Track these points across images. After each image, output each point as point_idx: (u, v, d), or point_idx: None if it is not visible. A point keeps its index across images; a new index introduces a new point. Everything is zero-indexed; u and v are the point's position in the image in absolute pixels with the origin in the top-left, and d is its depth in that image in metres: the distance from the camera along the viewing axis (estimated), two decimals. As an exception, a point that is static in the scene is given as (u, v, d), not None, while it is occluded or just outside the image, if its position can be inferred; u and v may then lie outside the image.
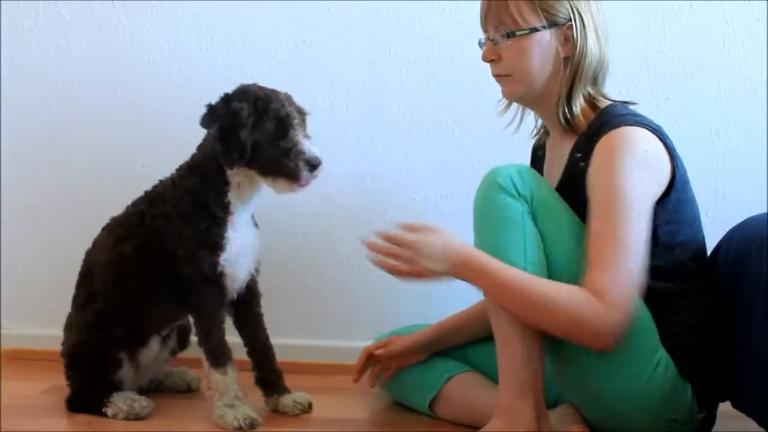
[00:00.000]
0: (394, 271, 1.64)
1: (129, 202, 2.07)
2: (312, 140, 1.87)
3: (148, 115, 2.42)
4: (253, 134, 1.84)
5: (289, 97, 1.91)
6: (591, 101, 1.72)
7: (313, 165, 1.83)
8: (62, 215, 2.45)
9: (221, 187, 1.90)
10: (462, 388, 1.93)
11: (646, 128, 1.64)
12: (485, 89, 2.32)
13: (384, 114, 2.37)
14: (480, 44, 1.78)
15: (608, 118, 1.67)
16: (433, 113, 2.36)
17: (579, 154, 1.69)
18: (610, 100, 1.74)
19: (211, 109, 1.88)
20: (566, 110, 1.71)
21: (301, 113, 1.90)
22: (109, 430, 1.89)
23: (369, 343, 2.13)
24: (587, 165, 1.65)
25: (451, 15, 2.33)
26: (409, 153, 2.37)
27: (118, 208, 2.09)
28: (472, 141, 2.35)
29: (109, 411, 1.93)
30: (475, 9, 2.30)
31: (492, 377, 1.91)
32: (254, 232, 1.99)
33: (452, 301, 2.35)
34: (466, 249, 1.62)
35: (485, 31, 1.77)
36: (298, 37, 2.37)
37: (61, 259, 2.44)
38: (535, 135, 1.92)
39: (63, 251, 2.44)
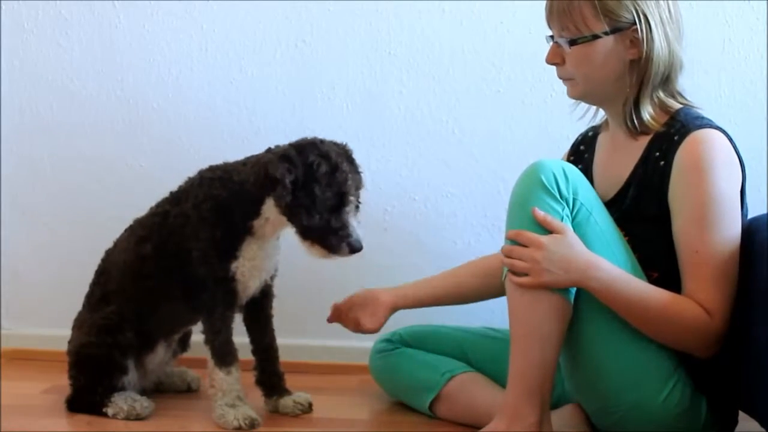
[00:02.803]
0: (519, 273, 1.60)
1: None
2: (360, 219, 1.82)
3: (148, 115, 2.41)
4: (315, 195, 1.77)
5: (351, 167, 1.83)
6: (662, 104, 1.69)
7: (354, 249, 1.79)
8: (62, 215, 2.45)
9: (251, 214, 1.86)
10: (463, 388, 1.92)
11: (724, 134, 1.64)
12: (485, 89, 2.34)
13: (384, 114, 2.37)
14: (547, 40, 1.74)
15: (687, 120, 1.65)
16: (433, 113, 2.36)
17: (657, 153, 1.66)
18: (681, 100, 1.70)
19: (287, 158, 1.77)
20: (633, 114, 1.68)
21: (358, 188, 1.84)
22: (109, 430, 1.88)
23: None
24: (668, 165, 1.63)
25: (451, 15, 2.33)
26: (409, 153, 2.37)
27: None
28: (472, 141, 2.35)
29: (110, 410, 1.92)
30: (475, 9, 2.33)
31: (492, 378, 1.92)
32: (274, 244, 1.95)
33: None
34: (586, 264, 1.58)
35: (550, 28, 1.72)
36: (298, 37, 2.37)
37: (61, 258, 2.44)
38: (582, 118, 1.86)
39: (63, 251, 2.44)
